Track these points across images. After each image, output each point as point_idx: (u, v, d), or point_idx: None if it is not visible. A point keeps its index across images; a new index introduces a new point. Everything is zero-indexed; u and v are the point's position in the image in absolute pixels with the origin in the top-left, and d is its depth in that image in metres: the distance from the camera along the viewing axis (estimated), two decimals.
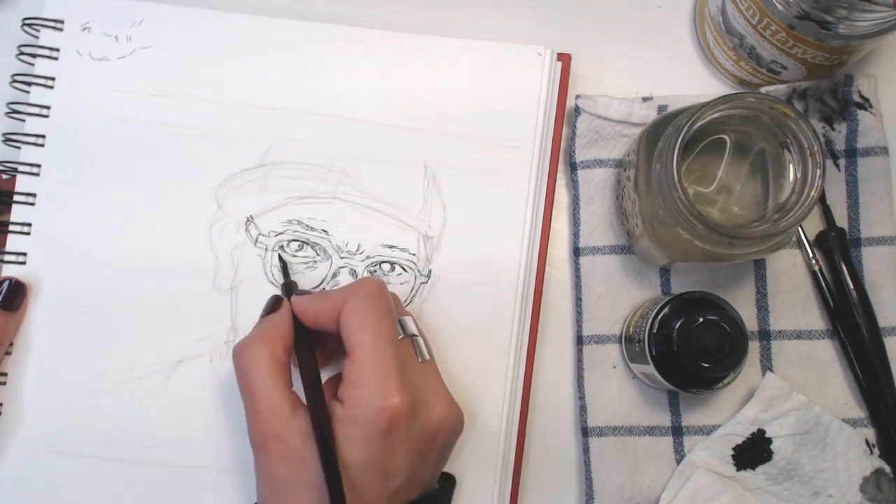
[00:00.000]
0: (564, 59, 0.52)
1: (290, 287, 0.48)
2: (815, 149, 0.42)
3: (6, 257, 0.49)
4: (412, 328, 0.45)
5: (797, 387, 0.49)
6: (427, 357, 0.45)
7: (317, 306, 0.44)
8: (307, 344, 0.44)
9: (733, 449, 0.49)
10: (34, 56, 0.51)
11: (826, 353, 0.51)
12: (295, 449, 0.41)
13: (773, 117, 0.43)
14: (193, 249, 0.50)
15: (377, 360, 0.41)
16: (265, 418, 0.42)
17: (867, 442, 0.49)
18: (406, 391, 0.41)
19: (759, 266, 0.51)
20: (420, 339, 0.45)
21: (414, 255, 0.50)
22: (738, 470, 0.49)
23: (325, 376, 0.47)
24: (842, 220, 0.51)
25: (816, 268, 0.51)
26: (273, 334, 0.44)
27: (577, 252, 0.52)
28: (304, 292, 0.47)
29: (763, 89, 0.51)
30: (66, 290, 0.49)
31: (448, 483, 0.46)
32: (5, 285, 0.48)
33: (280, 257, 0.49)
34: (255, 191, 0.50)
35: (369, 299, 0.43)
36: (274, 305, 0.46)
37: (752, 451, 0.49)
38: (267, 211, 0.50)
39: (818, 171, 0.42)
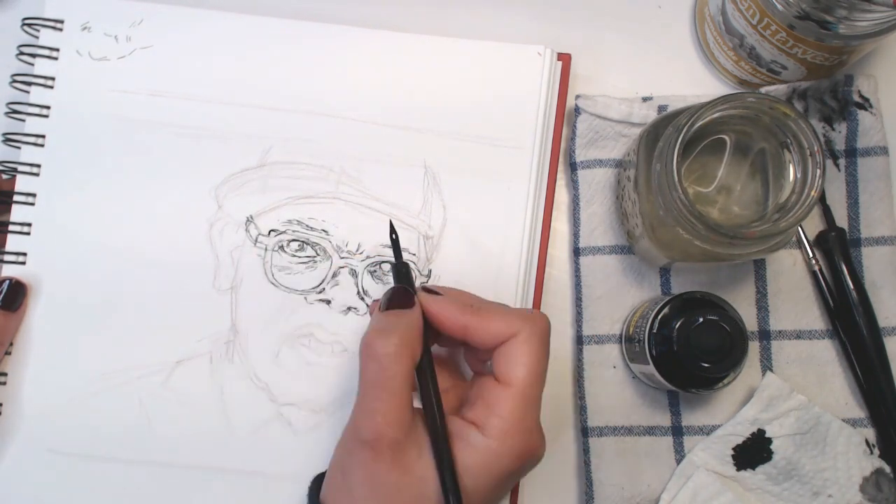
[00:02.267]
0: (564, 59, 0.52)
1: (405, 272, 0.45)
2: (815, 149, 0.42)
3: (6, 257, 0.49)
4: None
5: (797, 387, 0.49)
6: None
7: (475, 323, 0.41)
8: (429, 353, 0.42)
9: (733, 449, 0.49)
10: (34, 56, 0.51)
11: (826, 353, 0.51)
12: (410, 461, 0.39)
13: (773, 117, 0.43)
14: (193, 249, 0.50)
15: (534, 403, 0.41)
16: (389, 421, 0.39)
17: (867, 442, 0.49)
18: (543, 437, 0.41)
19: (759, 266, 0.51)
20: None
21: (414, 254, 0.50)
22: (738, 470, 0.49)
23: None
24: (842, 220, 0.51)
25: (816, 268, 0.51)
26: (412, 335, 0.41)
27: (577, 252, 0.52)
28: (430, 290, 0.43)
29: (763, 89, 0.51)
30: (66, 290, 0.49)
31: None
32: (5, 285, 0.48)
33: (393, 230, 0.45)
34: (255, 191, 0.50)
35: (543, 339, 0.41)
36: (403, 299, 0.42)
37: (752, 451, 0.49)
38: (267, 211, 0.50)
39: (818, 171, 0.42)
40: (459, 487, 0.39)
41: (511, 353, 0.41)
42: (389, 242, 0.50)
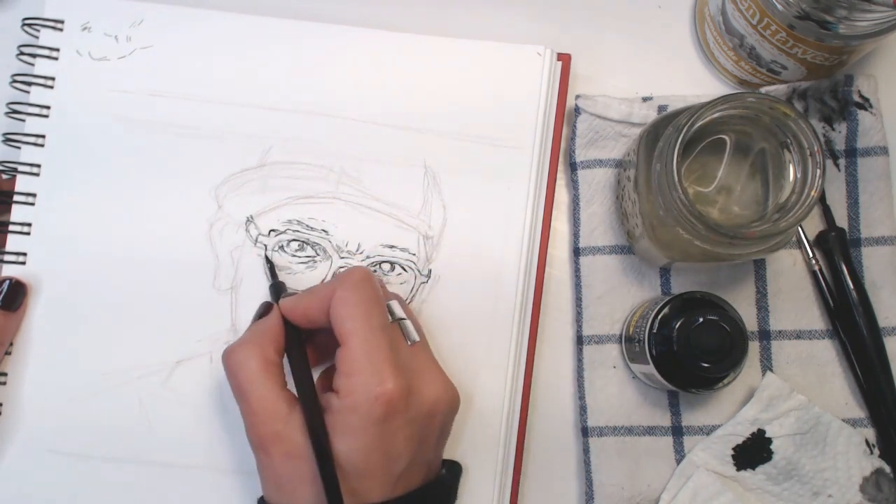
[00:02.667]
0: (564, 59, 0.52)
1: (277, 288, 0.48)
2: (815, 149, 0.42)
3: (6, 257, 0.49)
4: (399, 312, 0.45)
5: (797, 387, 0.49)
6: (417, 339, 0.45)
7: (305, 303, 0.44)
8: (297, 343, 0.44)
9: (733, 449, 0.49)
10: (34, 56, 0.51)
11: (826, 353, 0.51)
12: (296, 445, 0.41)
13: (773, 117, 0.43)
14: (193, 249, 0.50)
15: (369, 346, 0.41)
16: (262, 419, 0.42)
17: (867, 442, 0.49)
18: (400, 375, 0.41)
19: (759, 266, 0.51)
20: (408, 322, 0.45)
21: (414, 254, 0.50)
22: (738, 470, 0.49)
23: (319, 373, 0.47)
24: (842, 220, 0.51)
25: (816, 268, 0.51)
26: (262, 337, 0.44)
27: (577, 252, 0.52)
28: (293, 294, 0.47)
29: (763, 89, 0.51)
30: (66, 290, 0.49)
31: (454, 469, 0.46)
32: (5, 285, 0.48)
33: (267, 258, 0.49)
34: (255, 191, 0.50)
35: (356, 287, 0.43)
36: (264, 310, 0.46)
37: (752, 451, 0.49)
38: (267, 211, 0.50)
39: (818, 171, 0.42)
40: (331, 455, 0.40)
41: (333, 315, 0.42)
42: (389, 242, 0.50)
